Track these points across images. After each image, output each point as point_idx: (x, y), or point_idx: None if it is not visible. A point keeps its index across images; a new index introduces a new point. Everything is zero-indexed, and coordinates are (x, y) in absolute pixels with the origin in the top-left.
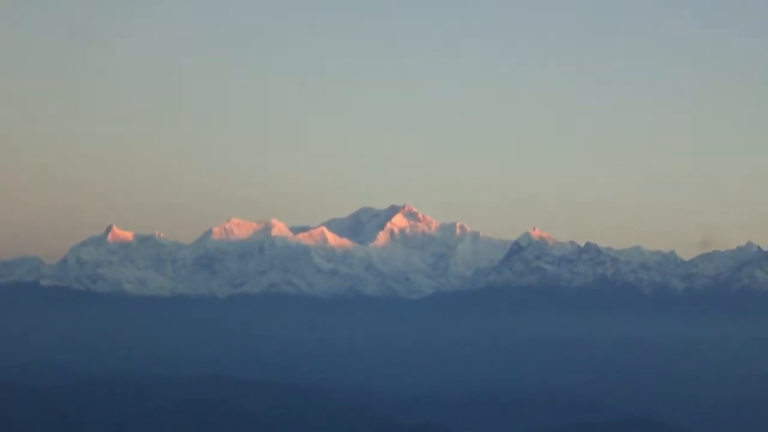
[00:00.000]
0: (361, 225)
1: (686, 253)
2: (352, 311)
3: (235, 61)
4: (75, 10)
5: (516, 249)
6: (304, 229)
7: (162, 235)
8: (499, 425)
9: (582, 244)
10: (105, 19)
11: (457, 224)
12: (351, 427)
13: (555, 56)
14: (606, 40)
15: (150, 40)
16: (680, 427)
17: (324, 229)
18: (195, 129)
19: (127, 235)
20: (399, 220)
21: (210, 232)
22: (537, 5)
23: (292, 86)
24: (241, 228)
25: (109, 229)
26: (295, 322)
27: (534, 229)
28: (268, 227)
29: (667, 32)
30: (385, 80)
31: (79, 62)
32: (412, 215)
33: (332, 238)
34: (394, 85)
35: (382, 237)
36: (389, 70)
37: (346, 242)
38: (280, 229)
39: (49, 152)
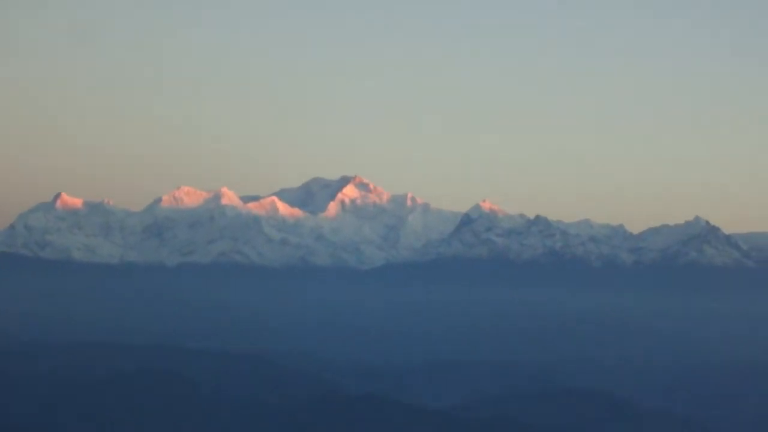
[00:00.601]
0: (311, 195)
1: (635, 227)
2: (302, 281)
3: (192, 28)
4: None
5: (466, 221)
6: (254, 198)
7: (111, 202)
8: (444, 394)
9: (532, 216)
10: None
11: (408, 195)
12: (298, 395)
13: (509, 23)
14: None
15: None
16: (627, 398)
17: (275, 198)
18: (147, 97)
19: (76, 202)
20: (350, 191)
21: (160, 200)
22: None
23: (245, 54)
24: (191, 196)
25: (57, 195)
26: (245, 292)
27: (484, 201)
28: (218, 196)
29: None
30: (339, 51)
31: (32, 25)
32: (363, 186)
33: (283, 208)
34: (349, 55)
35: (333, 207)
36: (343, 41)
37: (296, 212)
38: (230, 198)
39: None
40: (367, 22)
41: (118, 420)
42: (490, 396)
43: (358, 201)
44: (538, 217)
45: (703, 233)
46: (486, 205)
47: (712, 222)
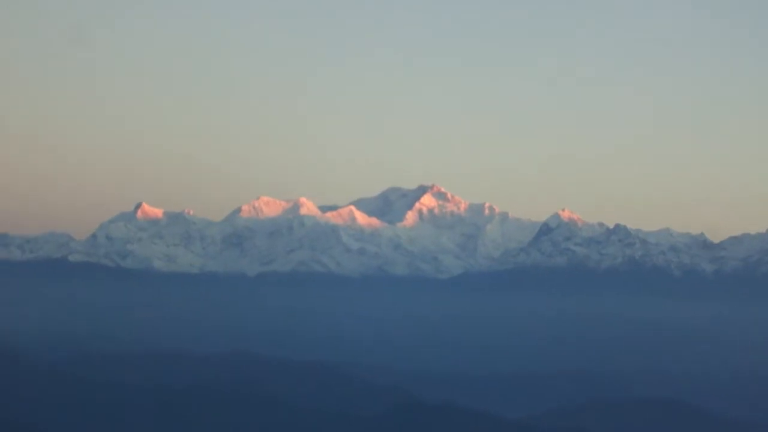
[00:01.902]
0: (389, 204)
1: (716, 236)
2: (380, 291)
3: (265, 40)
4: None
5: (545, 230)
6: (332, 208)
7: (191, 212)
8: (525, 404)
9: (611, 225)
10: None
11: (486, 205)
12: (378, 406)
13: (581, 40)
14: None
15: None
16: (706, 408)
17: (353, 208)
18: (226, 108)
19: (157, 212)
20: (428, 200)
21: (239, 210)
22: None
23: (321, 67)
24: (270, 206)
25: (138, 205)
26: (324, 301)
27: (563, 210)
28: (296, 206)
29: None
30: (413, 61)
31: (106, 43)
32: (440, 195)
33: (361, 218)
34: (423, 65)
35: (410, 217)
36: (416, 52)
37: (374, 222)
38: (308, 207)
39: (80, 129)
40: (449, 37)
41: (197, 419)
42: (568, 406)
43: (436, 210)
44: (617, 225)
45: None
46: (565, 215)
47: None
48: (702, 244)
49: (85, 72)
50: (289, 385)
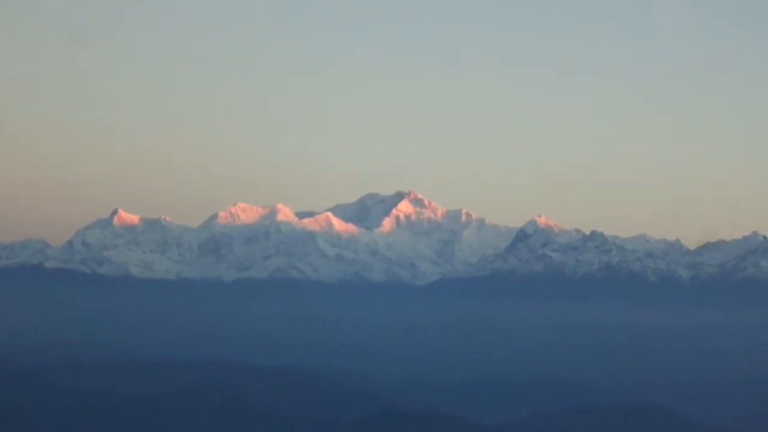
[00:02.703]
0: (366, 211)
1: (692, 242)
2: (358, 297)
3: (240, 50)
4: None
5: (521, 236)
6: (309, 214)
7: (168, 218)
8: (502, 410)
9: (588, 231)
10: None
11: (463, 211)
12: (356, 412)
13: (558, 45)
14: (610, 29)
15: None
16: (684, 413)
17: (329, 214)
18: (202, 114)
19: (133, 218)
20: (405, 207)
21: (216, 216)
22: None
23: (297, 75)
24: (246, 212)
25: (115, 212)
26: (301, 307)
27: (540, 216)
28: (273, 212)
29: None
30: (391, 68)
31: (81, 51)
32: (417, 202)
33: (338, 224)
34: (400, 72)
35: (387, 223)
36: (395, 59)
37: (351, 228)
38: (285, 214)
39: (56, 135)
40: (426, 45)
41: (171, 426)
42: (547, 413)
43: (413, 216)
44: (593, 232)
45: (761, 248)
46: (541, 221)
47: None
48: (678, 250)
49: (61, 77)
50: (267, 392)
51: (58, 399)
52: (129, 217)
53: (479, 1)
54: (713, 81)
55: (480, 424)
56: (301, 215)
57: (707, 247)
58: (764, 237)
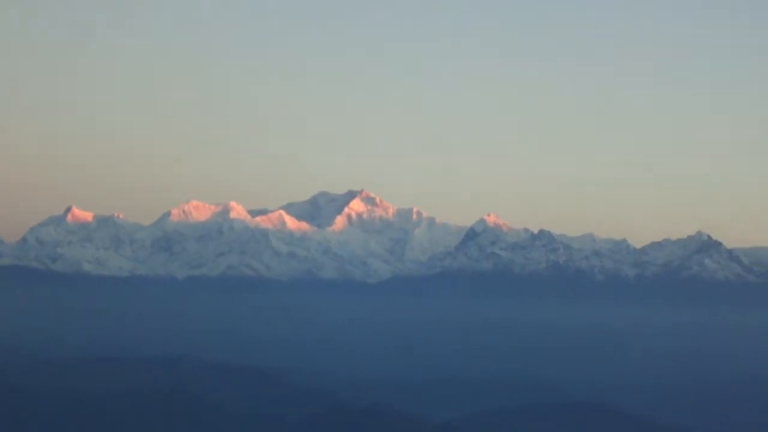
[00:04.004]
0: (319, 209)
1: (638, 241)
2: (310, 295)
3: (197, 50)
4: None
5: (471, 235)
6: (262, 212)
7: (121, 216)
8: (452, 407)
9: (536, 230)
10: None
11: (414, 209)
12: (305, 409)
13: (506, 50)
14: (569, 28)
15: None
16: (631, 410)
17: (282, 212)
18: (156, 111)
19: (87, 215)
20: (356, 205)
21: (169, 213)
22: None
23: (254, 73)
24: (199, 210)
25: (68, 209)
26: (253, 305)
27: (489, 215)
28: (226, 210)
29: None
30: (344, 68)
31: (49, 48)
32: (369, 200)
33: (290, 222)
34: (355, 72)
35: (339, 221)
36: (350, 59)
37: (304, 226)
38: (238, 212)
39: (10, 132)
40: (381, 44)
41: (124, 424)
42: (494, 410)
43: (365, 215)
44: (541, 231)
45: (704, 247)
46: (491, 219)
47: (714, 236)
48: (624, 249)
49: (14, 74)
50: (218, 389)
51: (13, 397)
52: (82, 214)
53: (434, 6)
54: (656, 83)
55: (430, 422)
56: (253, 213)
57: (652, 246)
58: (708, 236)
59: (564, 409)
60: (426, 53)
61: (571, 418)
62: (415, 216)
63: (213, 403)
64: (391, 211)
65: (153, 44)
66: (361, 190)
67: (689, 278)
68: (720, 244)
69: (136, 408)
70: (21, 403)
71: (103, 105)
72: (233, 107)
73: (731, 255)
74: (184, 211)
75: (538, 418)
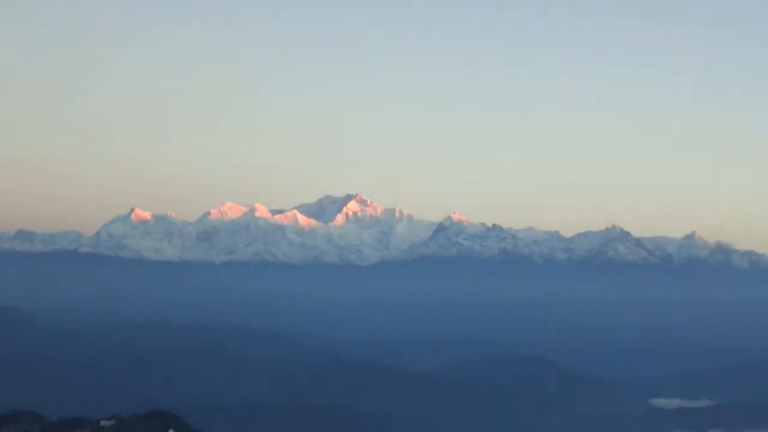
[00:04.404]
0: (323, 209)
1: (567, 233)
2: (317, 275)
3: (225, 65)
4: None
5: (440, 228)
6: (280, 211)
7: (173, 215)
8: (424, 361)
9: (490, 225)
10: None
11: (397, 209)
12: (311, 361)
13: (470, 63)
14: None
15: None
16: (562, 362)
17: (296, 212)
18: (204, 132)
19: (146, 214)
20: (353, 206)
21: (209, 213)
22: None
23: (275, 97)
24: (232, 210)
25: (132, 210)
26: (274, 283)
27: (454, 213)
28: (252, 210)
29: None
30: (345, 96)
31: (109, 58)
32: (362, 202)
33: (302, 219)
34: (352, 100)
35: (339, 218)
36: (349, 86)
37: (312, 222)
38: (262, 211)
39: (85, 148)
40: (370, 66)
41: (181, 376)
42: (455, 362)
43: (359, 213)
44: (494, 225)
45: (617, 237)
46: (456, 216)
47: (626, 228)
48: (557, 238)
49: (91, 92)
50: (247, 347)
51: (87, 354)
52: (143, 213)
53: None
54: (591, 88)
55: (409, 371)
56: (273, 212)
57: (579, 236)
58: (621, 229)
59: (508, 361)
60: (407, 80)
61: (513, 368)
62: (397, 214)
63: (242, 358)
64: (379, 210)
65: (206, 59)
66: (357, 194)
67: (606, 261)
68: (629, 234)
69: (183, 363)
70: (95, 359)
71: (165, 126)
72: (261, 131)
73: (638, 242)
74: (220, 211)
75: (488, 367)
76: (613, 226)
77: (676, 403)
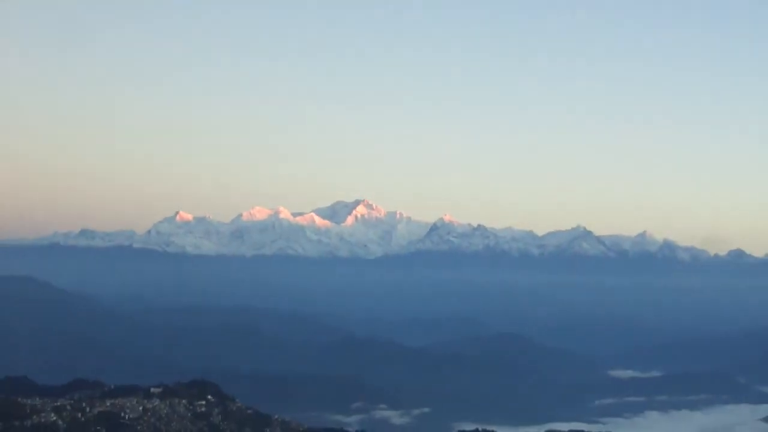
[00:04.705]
0: (336, 212)
1: (540, 231)
2: (331, 267)
3: (240, 78)
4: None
5: (434, 228)
6: (300, 214)
7: (210, 216)
8: (422, 337)
9: (475, 225)
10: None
11: (398, 212)
12: (325, 337)
13: (459, 73)
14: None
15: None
16: (535, 339)
17: (313, 214)
18: (235, 143)
19: (188, 216)
20: (361, 209)
21: (241, 215)
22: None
23: (292, 110)
24: (260, 213)
25: (177, 212)
26: (295, 273)
27: (446, 215)
28: (277, 212)
29: None
30: (353, 117)
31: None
32: (369, 206)
33: (318, 220)
34: (359, 122)
35: (350, 220)
36: (355, 101)
37: (327, 223)
38: (285, 214)
39: (140, 160)
40: (376, 89)
41: (217, 350)
42: (448, 339)
43: (366, 216)
44: (479, 225)
45: (582, 235)
46: (446, 218)
47: (588, 228)
48: (531, 236)
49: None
50: (273, 326)
51: (153, 335)
52: (186, 215)
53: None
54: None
55: (407, 346)
56: (295, 215)
57: (549, 234)
58: (585, 228)
59: (489, 337)
60: (406, 92)
61: (494, 344)
62: (398, 216)
63: (267, 334)
64: (383, 213)
65: (234, 75)
66: (364, 200)
67: (572, 255)
68: (592, 233)
69: (219, 337)
70: (150, 338)
71: (201, 138)
72: (285, 148)
73: (599, 240)
74: (250, 213)
75: (473, 343)
76: (579, 226)
77: (629, 373)
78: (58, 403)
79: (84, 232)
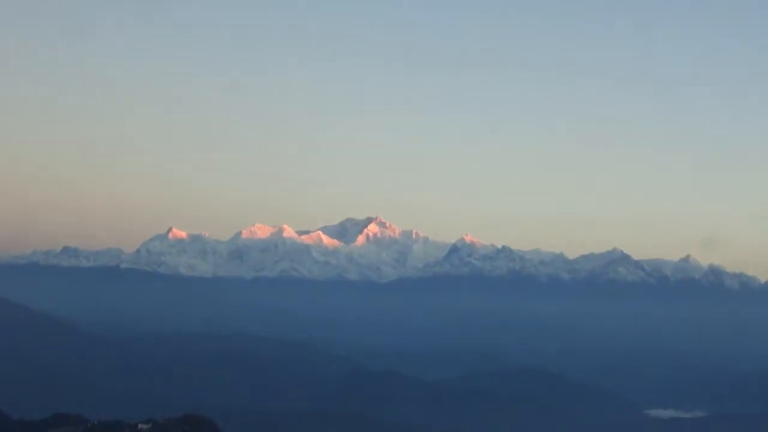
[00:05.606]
0: (346, 230)
1: (571, 254)
2: (339, 291)
3: (250, 91)
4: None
5: (454, 249)
6: (306, 232)
7: (207, 234)
8: (438, 371)
9: (500, 246)
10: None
11: (413, 231)
12: (336, 371)
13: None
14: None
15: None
16: (564, 373)
17: (320, 232)
18: (235, 158)
19: (182, 234)
20: (373, 228)
21: (240, 233)
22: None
23: (298, 121)
24: (262, 230)
25: (170, 229)
26: (299, 298)
27: (467, 235)
28: (280, 230)
29: None
30: (363, 126)
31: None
32: (382, 224)
33: (325, 239)
34: (370, 132)
35: (360, 239)
36: (365, 113)
37: (335, 242)
38: (289, 232)
39: (127, 172)
40: (382, 100)
41: (209, 380)
42: (468, 372)
43: (378, 234)
44: (504, 246)
45: (618, 259)
46: (468, 238)
47: (625, 251)
48: (562, 259)
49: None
50: (273, 355)
51: (130, 361)
52: (179, 233)
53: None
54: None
55: (424, 380)
56: (300, 233)
57: (581, 257)
58: (622, 251)
59: (514, 372)
60: (425, 102)
61: (519, 379)
62: (414, 235)
63: (268, 365)
64: (397, 231)
65: (236, 86)
66: (376, 217)
67: (607, 281)
68: (629, 256)
69: (215, 368)
70: (135, 365)
71: (203, 151)
72: (289, 160)
73: (637, 264)
74: (250, 231)
75: (496, 377)
76: (615, 248)
77: (670, 413)
78: None
79: (66, 250)
